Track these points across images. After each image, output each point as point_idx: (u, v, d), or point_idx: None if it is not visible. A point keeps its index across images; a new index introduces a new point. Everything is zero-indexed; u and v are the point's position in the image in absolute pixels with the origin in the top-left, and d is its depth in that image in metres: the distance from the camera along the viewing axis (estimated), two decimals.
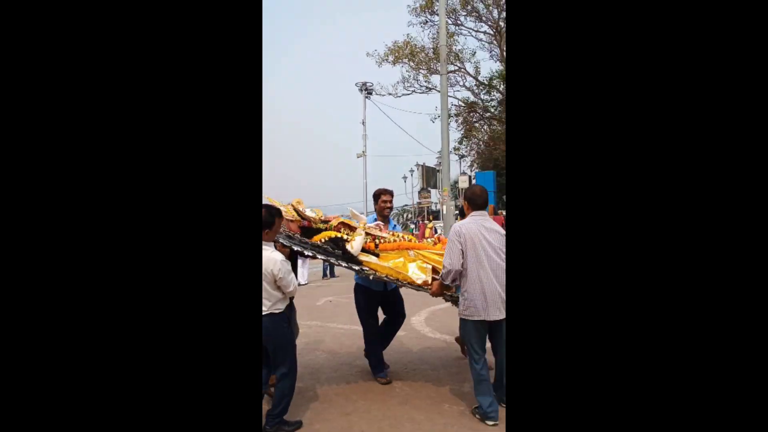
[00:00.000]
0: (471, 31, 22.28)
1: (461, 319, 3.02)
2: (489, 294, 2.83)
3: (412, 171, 27.24)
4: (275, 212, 2.78)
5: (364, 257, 3.16)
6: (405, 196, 29.00)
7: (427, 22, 21.40)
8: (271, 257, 2.64)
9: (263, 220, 2.64)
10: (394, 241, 3.35)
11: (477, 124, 23.17)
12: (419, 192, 25.77)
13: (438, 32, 20.87)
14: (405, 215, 30.93)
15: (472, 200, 3.05)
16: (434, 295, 3.16)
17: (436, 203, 24.97)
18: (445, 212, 14.30)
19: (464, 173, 24.87)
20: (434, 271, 3.19)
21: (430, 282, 3.13)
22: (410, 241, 3.45)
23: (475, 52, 24.50)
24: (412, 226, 22.06)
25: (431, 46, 21.36)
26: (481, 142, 23.44)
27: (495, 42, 22.42)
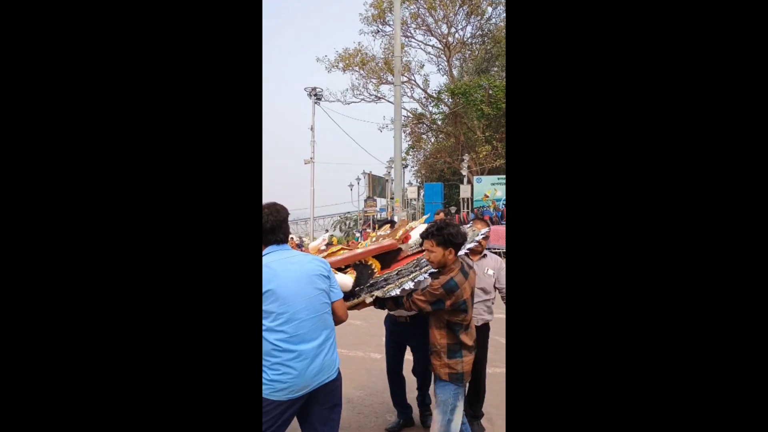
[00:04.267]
0: (420, 43, 22.76)
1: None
2: None
3: (358, 179, 27.16)
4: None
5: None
6: (351, 204, 28.82)
7: (378, 31, 21.56)
8: None
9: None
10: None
11: (424, 136, 23.58)
12: (365, 200, 25.70)
13: (389, 42, 21.10)
14: (348, 222, 30.76)
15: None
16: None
17: (381, 211, 25.02)
18: (397, 222, 14.33)
19: (410, 183, 25.20)
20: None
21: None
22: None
23: (423, 65, 24.93)
24: (357, 234, 21.94)
25: (382, 56, 21.54)
26: (427, 153, 23.87)
27: (443, 56, 23.02)
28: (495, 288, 3.03)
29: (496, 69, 22.51)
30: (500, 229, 14.92)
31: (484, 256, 3.05)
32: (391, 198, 18.98)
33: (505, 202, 16.90)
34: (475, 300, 2.58)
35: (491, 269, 3.02)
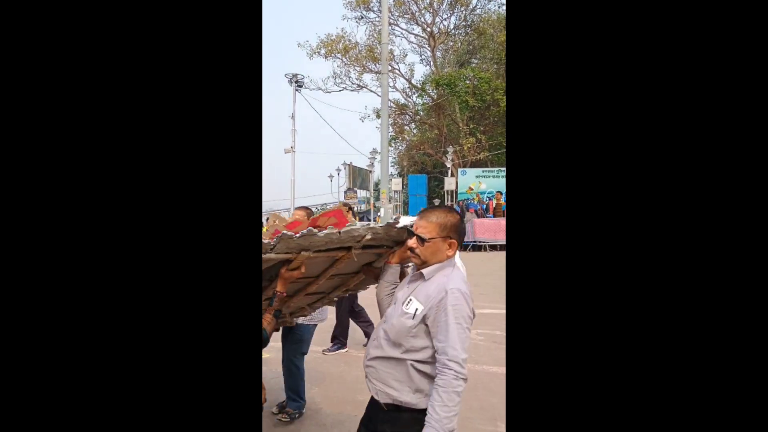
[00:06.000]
0: (404, 32, 22.29)
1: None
2: None
3: (338, 170, 26.63)
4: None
5: None
6: (330, 195, 28.27)
7: (362, 17, 20.94)
8: None
9: None
10: None
11: (407, 127, 23.21)
12: (345, 192, 25.22)
13: (373, 29, 20.54)
14: None
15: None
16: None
17: (360, 203, 24.60)
18: (382, 215, 14.04)
19: (392, 175, 24.86)
20: None
21: None
22: None
23: (406, 54, 24.51)
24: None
25: (365, 44, 20.96)
26: (409, 144, 23.56)
27: (427, 46, 22.62)
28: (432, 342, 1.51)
29: (476, 61, 22.33)
30: (486, 222, 14.94)
31: (421, 276, 1.59)
32: (375, 189, 18.63)
33: (489, 195, 16.92)
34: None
35: (419, 302, 1.53)
